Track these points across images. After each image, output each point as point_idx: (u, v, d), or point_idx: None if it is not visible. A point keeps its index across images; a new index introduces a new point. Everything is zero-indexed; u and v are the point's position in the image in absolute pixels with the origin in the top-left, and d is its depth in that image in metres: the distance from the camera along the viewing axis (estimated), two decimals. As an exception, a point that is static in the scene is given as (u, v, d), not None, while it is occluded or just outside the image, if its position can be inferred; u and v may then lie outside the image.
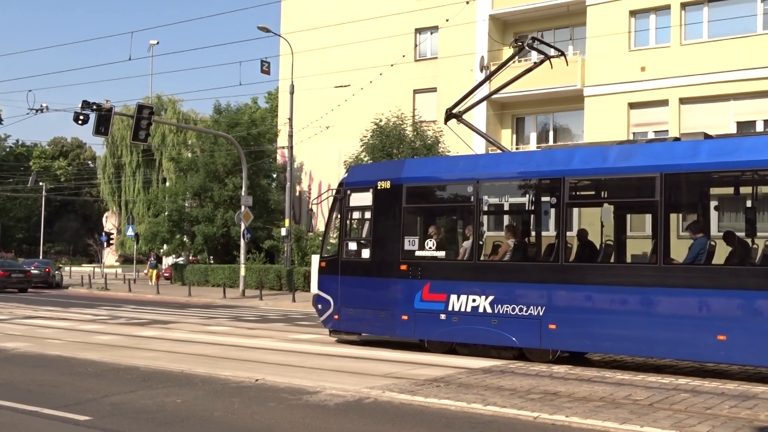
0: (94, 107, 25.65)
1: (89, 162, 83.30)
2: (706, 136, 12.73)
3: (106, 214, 64.10)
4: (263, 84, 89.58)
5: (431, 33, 35.16)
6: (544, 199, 13.64)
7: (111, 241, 51.46)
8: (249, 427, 8.55)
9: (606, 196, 13.52)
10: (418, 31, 35.50)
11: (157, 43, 48.64)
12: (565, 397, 9.91)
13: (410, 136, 31.69)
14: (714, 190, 12.91)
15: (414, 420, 8.91)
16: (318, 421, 8.87)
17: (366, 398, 10.05)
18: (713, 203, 12.93)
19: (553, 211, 13.30)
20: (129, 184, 59.67)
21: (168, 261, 48.68)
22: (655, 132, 28.01)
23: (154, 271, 42.18)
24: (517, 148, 32.30)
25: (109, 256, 59.46)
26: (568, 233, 13.01)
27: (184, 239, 43.69)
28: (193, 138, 47.33)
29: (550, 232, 13.67)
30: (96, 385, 10.94)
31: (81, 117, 25.40)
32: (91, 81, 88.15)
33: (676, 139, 13.36)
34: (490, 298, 13.28)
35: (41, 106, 27.54)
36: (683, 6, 28.12)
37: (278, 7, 41.05)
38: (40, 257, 59.60)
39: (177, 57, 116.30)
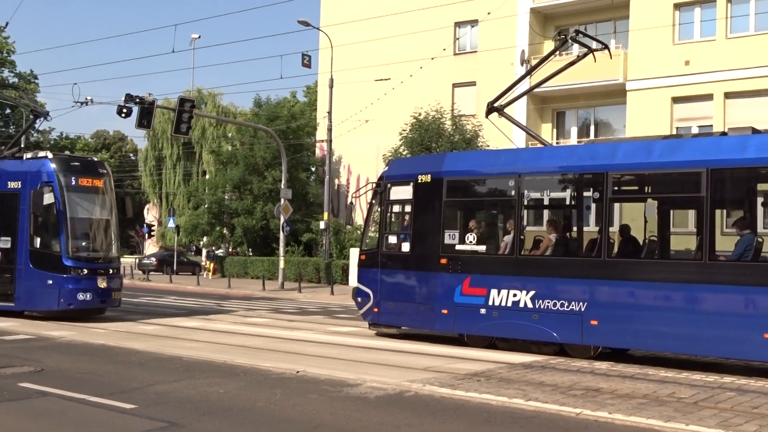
0: (137, 100, 25.94)
1: (131, 155, 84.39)
2: (754, 131, 12.50)
3: (147, 206, 64.91)
4: (302, 78, 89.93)
5: (471, 26, 34.98)
6: (586, 193, 13.51)
7: (152, 233, 52.13)
8: (291, 418, 8.62)
9: (650, 191, 13.34)
10: (458, 24, 35.36)
11: (199, 37, 49.12)
12: (607, 394, 9.83)
13: (449, 130, 31.60)
14: (762, 186, 12.66)
15: (455, 414, 8.90)
16: (359, 413, 8.90)
17: (407, 391, 10.06)
18: (760, 199, 12.69)
19: (595, 206, 13.17)
20: (170, 176, 60.33)
21: (204, 252, 49.17)
22: (699, 127, 27.58)
23: (212, 264, 42.35)
24: (557, 143, 32.03)
25: (150, 247, 60.21)
26: (611, 228, 12.88)
27: (224, 231, 44.07)
28: (233, 131, 47.69)
29: (592, 227, 13.54)
30: (140, 374, 11.11)
31: (124, 110, 25.70)
32: (134, 74, 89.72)
33: (723, 134, 13.14)
34: (531, 292, 13.19)
35: (86, 99, 27.90)
36: (729, -2, 27.61)
37: (318, 1, 41.19)
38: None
39: (217, 51, 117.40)
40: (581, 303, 12.66)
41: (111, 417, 8.57)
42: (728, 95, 27.40)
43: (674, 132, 27.17)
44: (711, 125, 26.96)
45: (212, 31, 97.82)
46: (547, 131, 33.05)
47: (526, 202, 13.89)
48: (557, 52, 16.46)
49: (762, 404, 9.38)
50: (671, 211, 13.55)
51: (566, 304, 12.79)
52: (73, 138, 75.94)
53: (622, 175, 12.98)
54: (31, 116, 23.46)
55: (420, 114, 32.07)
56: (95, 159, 20.90)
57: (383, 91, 34.22)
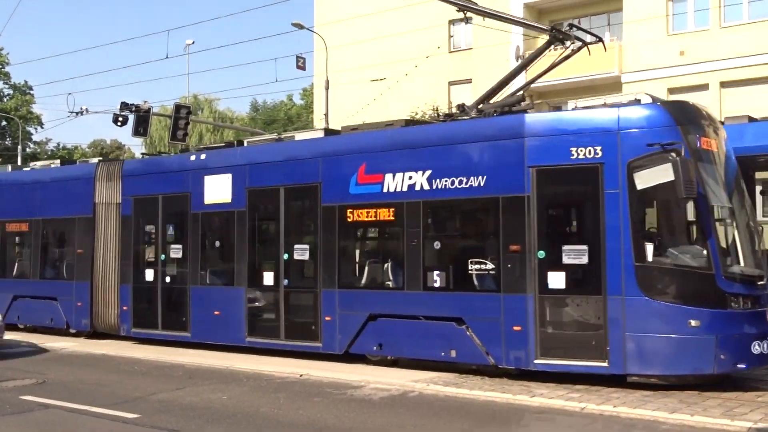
0: (133, 108, 25.85)
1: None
2: (751, 120, 12.45)
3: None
4: (298, 80, 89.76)
5: (465, 23, 34.89)
6: None
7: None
8: (295, 422, 8.59)
9: None
10: (452, 22, 35.27)
11: (193, 42, 48.90)
12: (611, 388, 9.80)
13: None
14: (759, 174, 12.61)
15: (459, 413, 8.88)
16: (363, 415, 8.88)
17: (411, 392, 10.05)
18: (758, 187, 12.62)
19: None
20: (168, 183, 60.21)
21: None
22: (695, 117, 27.49)
23: None
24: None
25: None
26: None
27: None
28: (230, 136, 47.69)
29: None
30: (143, 383, 11.10)
31: (120, 118, 25.60)
32: (129, 82, 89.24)
33: (720, 123, 13.10)
34: None
35: (81, 108, 27.84)
36: (722, -13, 27.56)
37: (311, 2, 41.17)
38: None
39: (212, 56, 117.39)
40: None
41: (114, 427, 8.56)
42: (724, 84, 27.33)
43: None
44: (708, 115, 26.88)
45: (205, 36, 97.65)
46: (544, 126, 32.95)
47: None
48: (552, 47, 16.43)
49: (766, 393, 9.35)
50: None
51: None
52: (70, 148, 75.99)
53: None
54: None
55: (417, 113, 32.03)
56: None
57: (379, 91, 34.19)
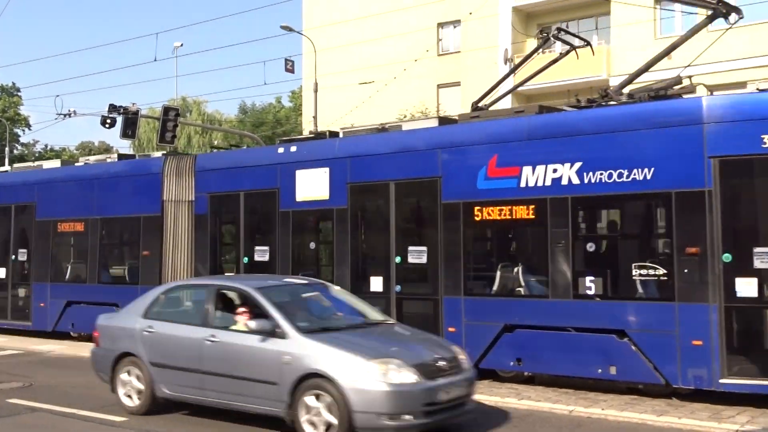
0: (121, 110, 25.76)
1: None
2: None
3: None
4: (287, 83, 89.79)
5: (454, 27, 35.00)
6: None
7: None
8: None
9: None
10: (441, 25, 35.37)
11: (181, 45, 48.69)
12: (599, 392, 9.83)
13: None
14: None
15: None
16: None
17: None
18: None
19: None
20: (156, 185, 60.01)
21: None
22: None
23: None
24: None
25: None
26: None
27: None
28: (219, 138, 47.58)
29: None
30: (131, 386, 11.01)
31: (108, 120, 25.53)
32: (117, 84, 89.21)
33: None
34: None
35: (69, 110, 27.70)
36: (709, -9, 27.76)
37: (300, 5, 41.14)
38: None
39: (201, 58, 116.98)
40: None
41: (101, 431, 8.51)
42: (711, 88, 27.50)
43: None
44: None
45: (194, 38, 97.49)
46: (532, 129, 33.05)
47: None
48: (541, 50, 16.49)
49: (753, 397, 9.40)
50: None
51: None
52: (58, 150, 75.64)
53: None
54: None
55: (405, 116, 32.06)
56: None
57: (368, 93, 34.21)
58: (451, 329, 10.91)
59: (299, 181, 12.69)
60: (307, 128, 38.50)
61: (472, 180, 10.81)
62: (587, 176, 9.88)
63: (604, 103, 10.96)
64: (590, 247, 10.06)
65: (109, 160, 16.62)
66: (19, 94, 59.03)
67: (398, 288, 11.56)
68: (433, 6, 33.63)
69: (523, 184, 10.35)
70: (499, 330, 10.48)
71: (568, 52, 14.90)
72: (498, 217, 10.61)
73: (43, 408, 9.57)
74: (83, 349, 14.89)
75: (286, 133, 43.80)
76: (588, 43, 15.25)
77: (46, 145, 71.65)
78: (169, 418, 8.91)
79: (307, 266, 12.86)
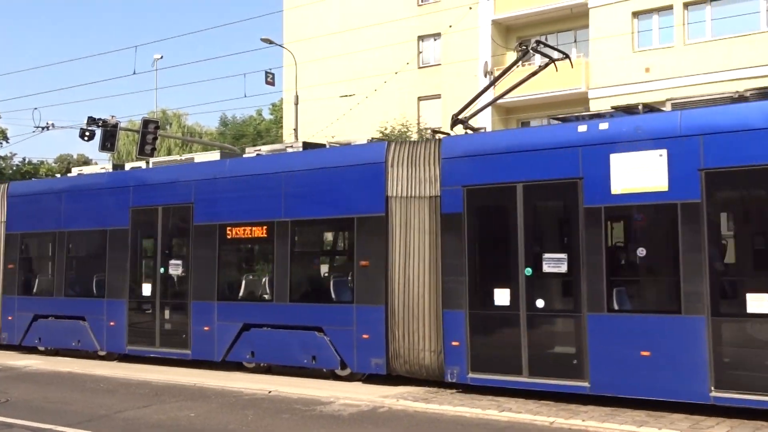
0: (100, 123, 25.65)
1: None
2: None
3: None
4: (268, 96, 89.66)
5: (434, 40, 35.16)
6: None
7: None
8: (263, 439, 8.54)
9: None
10: (421, 38, 35.51)
11: (161, 57, 48.56)
12: (580, 403, 9.84)
13: (416, 143, 31.60)
14: None
15: (429, 427, 8.86)
16: (332, 430, 8.83)
17: (380, 407, 10.00)
18: None
19: None
20: (136, 198, 59.62)
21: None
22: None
23: None
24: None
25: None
26: None
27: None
28: (199, 151, 47.43)
29: None
30: (109, 401, 10.93)
31: (87, 133, 25.41)
32: (96, 97, 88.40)
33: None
34: None
35: (47, 123, 27.52)
36: (686, 5, 28.05)
37: (280, 18, 41.19)
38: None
39: (181, 71, 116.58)
40: None
41: (78, 446, 8.42)
42: (681, 104, 27.79)
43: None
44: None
45: (174, 51, 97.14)
46: (512, 141, 33.16)
47: None
48: (520, 63, 16.58)
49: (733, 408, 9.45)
50: None
51: None
52: (35, 163, 75.09)
53: None
54: None
55: (386, 128, 32.13)
56: None
57: (349, 106, 34.25)
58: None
59: (616, 167, 9.86)
60: (287, 141, 38.48)
61: None
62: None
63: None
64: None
65: (290, 150, 14.01)
66: (-4, 106, 58.55)
67: None
68: (414, 19, 33.79)
69: None
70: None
71: (547, 65, 14.98)
72: None
73: (20, 424, 9.44)
74: (61, 364, 14.76)
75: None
76: (567, 56, 15.33)
77: (24, 158, 71.17)
78: None
79: (636, 279, 10.03)
